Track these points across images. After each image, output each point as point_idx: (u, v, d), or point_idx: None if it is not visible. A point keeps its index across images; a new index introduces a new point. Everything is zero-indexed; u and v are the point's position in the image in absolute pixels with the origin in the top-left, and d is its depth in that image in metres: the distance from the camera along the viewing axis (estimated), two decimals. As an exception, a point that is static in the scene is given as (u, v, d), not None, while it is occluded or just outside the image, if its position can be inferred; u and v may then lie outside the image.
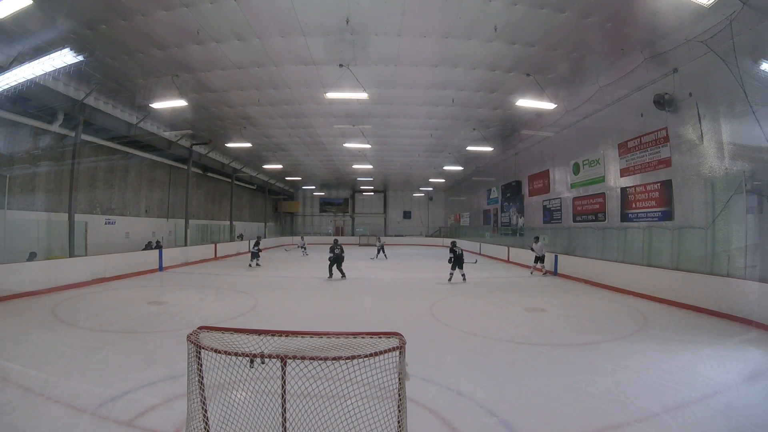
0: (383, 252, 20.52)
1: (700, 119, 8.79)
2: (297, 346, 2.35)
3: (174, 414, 3.49)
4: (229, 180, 25.04)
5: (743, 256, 7.65)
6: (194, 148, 18.70)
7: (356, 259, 19.88)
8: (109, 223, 15.38)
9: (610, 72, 10.48)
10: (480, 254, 23.19)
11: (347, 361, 2.30)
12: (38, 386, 4.08)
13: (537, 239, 13.97)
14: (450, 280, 11.78)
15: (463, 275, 11.70)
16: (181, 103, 11.08)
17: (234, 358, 2.35)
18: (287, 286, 11.27)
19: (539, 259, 13.58)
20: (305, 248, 23.14)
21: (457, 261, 11.56)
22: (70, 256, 11.11)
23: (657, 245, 10.21)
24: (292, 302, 8.90)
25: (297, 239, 32.27)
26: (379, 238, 22.00)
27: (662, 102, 9.58)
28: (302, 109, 14.24)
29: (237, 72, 10.91)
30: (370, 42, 9.31)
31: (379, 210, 38.29)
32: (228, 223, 24.96)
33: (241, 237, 26.25)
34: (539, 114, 13.65)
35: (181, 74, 10.84)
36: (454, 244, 11.91)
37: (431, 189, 34.94)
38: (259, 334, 2.37)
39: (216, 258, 19.01)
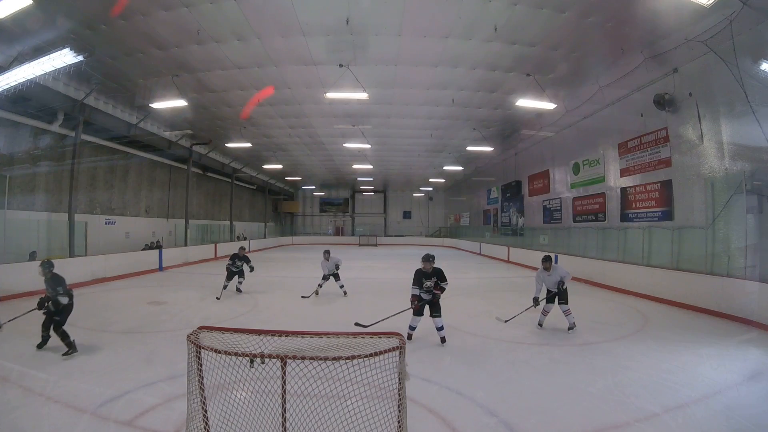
0: (336, 277, 9.43)
1: (700, 119, 8.79)
2: (297, 346, 2.35)
3: (174, 414, 3.49)
4: (229, 180, 25.04)
5: (743, 256, 7.65)
6: (194, 148, 18.71)
7: (356, 259, 19.90)
8: (109, 223, 15.39)
9: (610, 72, 10.48)
10: (480, 254, 23.22)
11: (347, 361, 2.30)
12: (38, 386, 4.08)
13: (549, 260, 6.57)
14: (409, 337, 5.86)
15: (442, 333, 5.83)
16: (181, 103, 11.08)
17: (234, 358, 2.35)
18: (287, 286, 11.27)
19: (559, 295, 6.44)
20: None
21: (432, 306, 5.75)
22: (70, 256, 11.11)
23: (657, 245, 10.20)
24: (292, 302, 8.89)
25: (298, 244, 30.56)
26: (327, 254, 9.39)
27: (662, 102, 9.58)
28: (302, 109, 14.24)
29: (237, 72, 10.90)
30: (370, 42, 9.31)
31: (379, 210, 38.29)
32: (228, 223, 24.97)
33: (243, 237, 26.26)
34: (539, 114, 13.65)
35: (181, 74, 10.83)
36: (430, 259, 5.70)
37: (431, 189, 34.95)
38: (259, 334, 2.37)
39: (216, 258, 19.00)
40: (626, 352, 5.48)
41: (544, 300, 6.57)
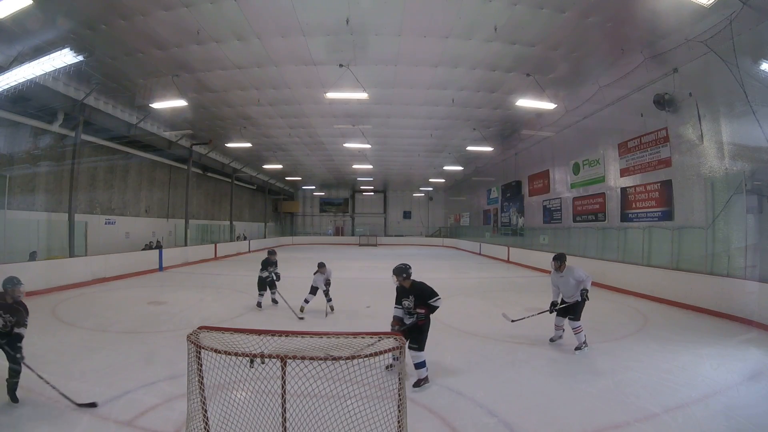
0: (326, 292, 7.94)
1: (700, 119, 8.79)
2: (297, 346, 2.35)
3: (174, 414, 3.49)
4: (229, 180, 25.05)
5: (743, 256, 7.65)
6: (194, 148, 18.70)
7: (356, 259, 19.91)
8: (109, 223, 15.39)
9: (610, 72, 10.47)
10: (480, 254, 23.23)
11: (347, 361, 2.30)
12: (38, 386, 4.07)
13: (559, 259, 5.59)
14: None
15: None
16: (181, 103, 11.08)
17: (234, 358, 2.35)
18: (287, 286, 11.24)
19: (573, 309, 5.42)
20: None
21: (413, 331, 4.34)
22: (70, 256, 11.11)
23: (657, 245, 10.20)
24: (292, 302, 8.88)
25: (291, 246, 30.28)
26: (324, 267, 7.96)
27: (662, 102, 9.58)
28: (302, 109, 14.24)
29: (237, 72, 10.90)
30: (370, 42, 9.31)
31: (379, 210, 38.30)
32: (228, 223, 24.97)
33: (243, 237, 26.26)
34: (539, 114, 13.65)
35: (181, 74, 10.83)
36: (401, 273, 4.43)
37: (431, 189, 34.94)
38: (259, 334, 2.37)
39: (216, 258, 19.01)
40: (626, 352, 5.48)
41: (567, 307, 5.43)
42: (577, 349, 5.43)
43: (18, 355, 3.67)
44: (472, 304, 8.86)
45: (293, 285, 11.22)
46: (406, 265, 4.45)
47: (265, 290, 8.27)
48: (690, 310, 8.03)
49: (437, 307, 4.35)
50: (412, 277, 4.46)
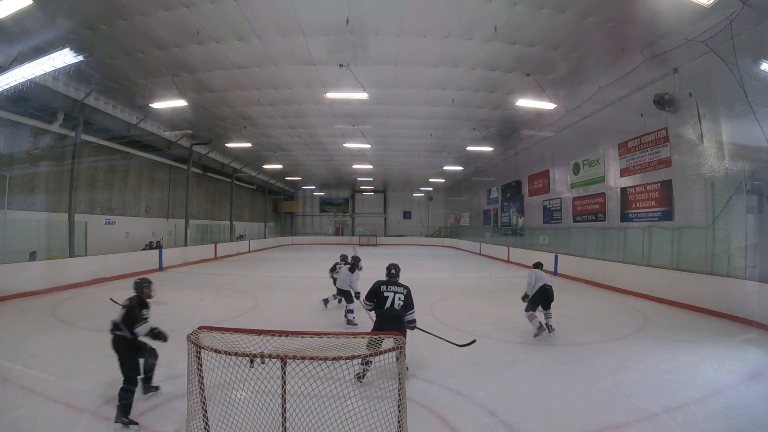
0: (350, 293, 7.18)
1: (700, 119, 8.79)
2: (297, 346, 2.35)
3: (174, 414, 3.49)
4: (229, 180, 25.05)
5: (743, 256, 7.65)
6: (194, 148, 18.71)
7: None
8: (109, 223, 15.39)
9: (610, 72, 10.47)
10: (480, 254, 23.23)
11: (347, 361, 2.30)
12: (38, 386, 4.08)
13: (535, 265, 6.89)
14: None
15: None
16: (181, 103, 11.07)
17: (234, 358, 2.35)
18: (287, 285, 11.27)
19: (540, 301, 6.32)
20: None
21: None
22: (70, 256, 11.11)
23: (657, 245, 10.20)
24: (292, 302, 8.89)
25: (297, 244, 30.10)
26: (358, 263, 7.57)
27: (662, 102, 9.58)
28: (302, 109, 14.24)
29: (237, 72, 10.90)
30: (370, 42, 9.31)
31: (379, 210, 38.29)
32: (228, 223, 24.97)
33: (242, 237, 26.26)
34: (539, 114, 13.65)
35: (181, 74, 10.83)
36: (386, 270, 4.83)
37: (431, 189, 34.93)
38: (259, 334, 2.37)
39: (216, 258, 19.02)
40: (626, 352, 5.48)
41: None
42: (535, 336, 6.15)
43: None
44: (472, 304, 8.85)
45: (294, 285, 11.25)
46: (389, 265, 4.82)
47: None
48: (690, 310, 8.03)
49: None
50: (399, 277, 4.81)
